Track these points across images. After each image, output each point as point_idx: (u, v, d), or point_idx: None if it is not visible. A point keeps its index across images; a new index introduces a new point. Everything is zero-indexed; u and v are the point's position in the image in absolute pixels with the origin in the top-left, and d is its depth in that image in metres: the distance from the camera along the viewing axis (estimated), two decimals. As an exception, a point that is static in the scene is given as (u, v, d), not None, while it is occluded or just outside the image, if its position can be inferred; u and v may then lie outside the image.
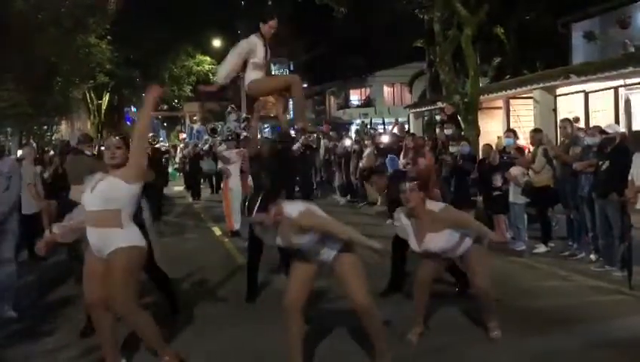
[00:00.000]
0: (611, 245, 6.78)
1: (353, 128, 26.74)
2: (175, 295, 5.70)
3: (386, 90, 36.35)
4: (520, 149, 8.48)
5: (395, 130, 12.81)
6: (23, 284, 7.04)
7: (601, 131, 6.96)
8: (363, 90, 37.15)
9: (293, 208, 3.89)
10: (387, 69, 33.38)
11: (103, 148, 14.26)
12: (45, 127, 22.06)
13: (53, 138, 23.11)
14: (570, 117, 9.52)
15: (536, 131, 8.22)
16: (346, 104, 37.51)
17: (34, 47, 13.76)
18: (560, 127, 8.33)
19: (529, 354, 4.45)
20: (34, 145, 15.21)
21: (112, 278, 3.80)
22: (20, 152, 12.09)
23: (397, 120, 13.85)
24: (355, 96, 37.67)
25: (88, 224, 3.91)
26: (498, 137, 9.80)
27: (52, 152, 13.68)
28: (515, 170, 8.11)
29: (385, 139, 12.41)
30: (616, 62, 11.44)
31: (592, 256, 7.31)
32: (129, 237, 3.88)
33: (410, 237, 4.65)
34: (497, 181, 8.56)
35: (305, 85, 41.31)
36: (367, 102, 36.03)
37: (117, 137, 4.11)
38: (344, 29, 31.16)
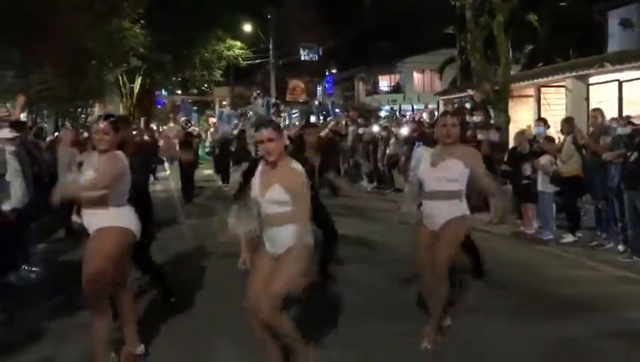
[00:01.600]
0: (640, 236, 6.75)
1: (382, 115, 26.65)
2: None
3: (416, 76, 36.07)
4: (550, 138, 8.43)
5: (425, 116, 12.77)
6: (62, 261, 7.36)
7: (631, 121, 6.89)
8: (392, 76, 36.93)
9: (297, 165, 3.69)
10: (417, 55, 33.11)
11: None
12: (80, 110, 22.51)
13: (87, 120, 23.57)
14: (601, 106, 9.39)
15: (567, 120, 8.15)
16: (374, 90, 37.36)
17: (70, 32, 14.09)
18: (591, 117, 8.26)
19: (551, 341, 4.50)
20: (69, 126, 15.60)
21: (90, 254, 3.95)
22: (56, 134, 12.46)
23: (427, 105, 13.80)
24: (385, 82, 37.47)
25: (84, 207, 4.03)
26: (527, 126, 9.73)
27: (86, 134, 14.00)
28: (543, 159, 8.08)
29: (404, 131, 12.40)
30: (653, 51, 11.22)
31: (620, 247, 7.28)
32: (112, 218, 3.98)
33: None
34: (527, 170, 8.55)
35: (334, 70, 41.35)
36: (397, 89, 35.83)
37: (105, 122, 4.00)
38: (373, 13, 30.98)
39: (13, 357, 4.37)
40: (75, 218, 5.10)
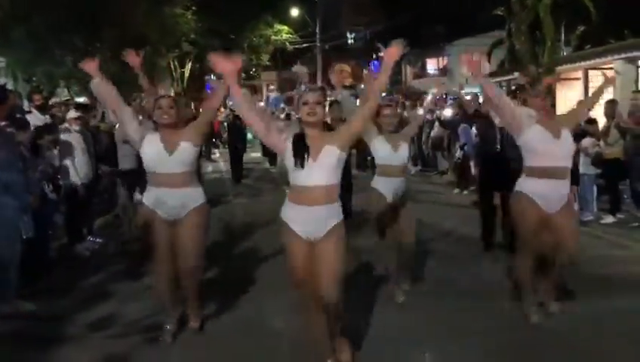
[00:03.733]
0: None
1: (428, 98, 26.50)
2: None
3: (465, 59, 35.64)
4: (592, 120, 8.45)
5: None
6: (121, 233, 7.93)
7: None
8: (440, 59, 36.59)
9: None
10: (466, 38, 32.69)
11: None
12: (135, 94, 23.31)
13: (142, 104, 24.41)
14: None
15: (610, 102, 8.16)
16: (422, 73, 37.15)
17: (127, 19, 14.75)
18: (631, 100, 8.23)
19: (581, 315, 4.67)
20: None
21: (189, 236, 4.12)
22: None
23: (461, 85, 13.79)
24: (432, 66, 37.18)
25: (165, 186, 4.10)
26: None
27: (140, 117, 14.61)
28: (585, 142, 8.14)
29: (447, 112, 12.48)
30: None
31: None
32: (200, 195, 4.23)
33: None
34: (568, 152, 8.61)
35: (381, 54, 41.13)
36: (445, 72, 35.51)
37: (168, 98, 4.20)
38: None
39: (82, 313, 4.91)
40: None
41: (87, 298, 5.30)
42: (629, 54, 12.43)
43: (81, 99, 14.94)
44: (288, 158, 3.37)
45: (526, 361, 4.02)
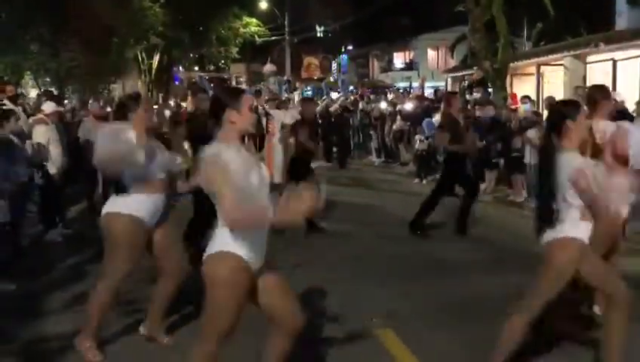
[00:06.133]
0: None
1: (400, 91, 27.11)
2: None
3: (430, 53, 36.36)
4: (537, 113, 9.10)
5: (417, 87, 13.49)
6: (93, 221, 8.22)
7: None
8: (407, 53, 37.26)
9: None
10: (432, 32, 33.41)
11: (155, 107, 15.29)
12: (102, 86, 23.40)
13: (109, 95, 24.45)
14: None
15: (548, 99, 8.83)
16: (389, 67, 37.79)
17: (96, 12, 14.92)
18: (574, 94, 8.92)
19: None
20: (92, 101, 16.36)
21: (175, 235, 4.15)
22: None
23: (423, 78, 14.45)
24: (399, 60, 37.84)
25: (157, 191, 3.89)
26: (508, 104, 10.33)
27: (109, 109, 14.76)
28: (530, 133, 8.76)
29: (408, 106, 13.09)
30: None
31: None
32: None
33: None
34: (517, 143, 9.26)
35: (349, 47, 41.69)
36: (411, 66, 36.23)
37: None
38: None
39: (58, 291, 5.30)
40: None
41: (62, 278, 5.67)
42: (578, 51, 13.14)
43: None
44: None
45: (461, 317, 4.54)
